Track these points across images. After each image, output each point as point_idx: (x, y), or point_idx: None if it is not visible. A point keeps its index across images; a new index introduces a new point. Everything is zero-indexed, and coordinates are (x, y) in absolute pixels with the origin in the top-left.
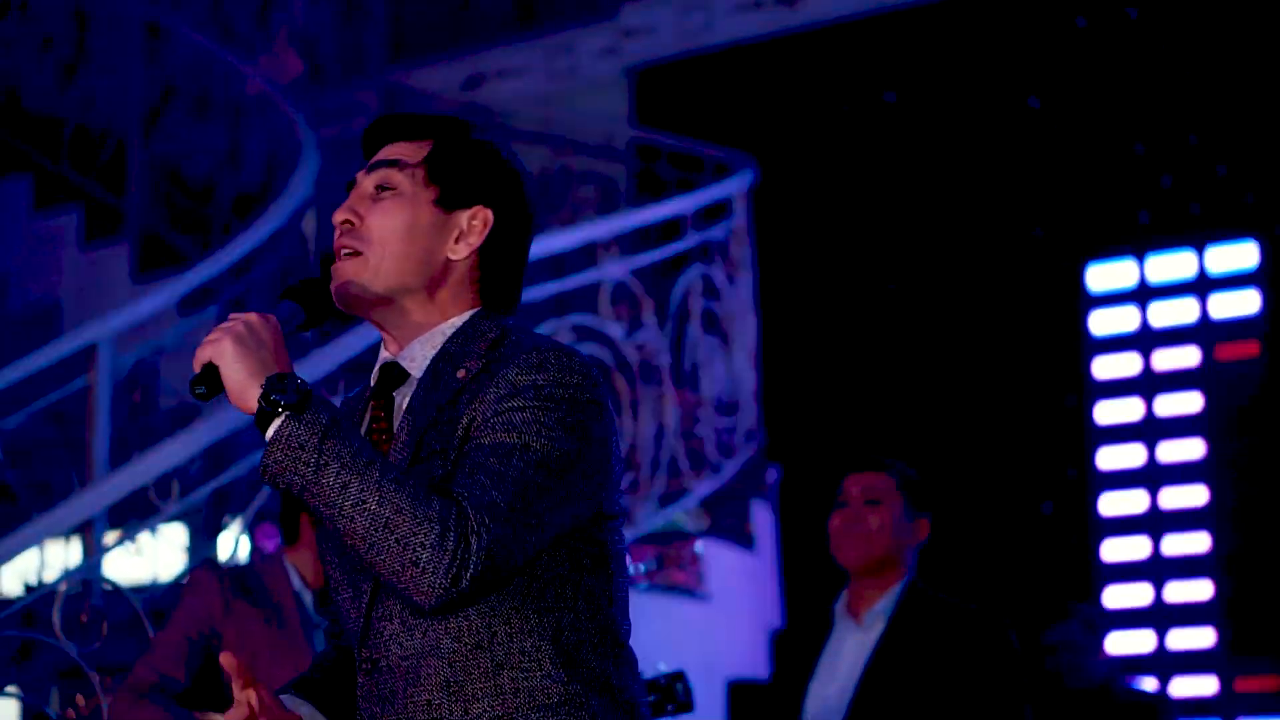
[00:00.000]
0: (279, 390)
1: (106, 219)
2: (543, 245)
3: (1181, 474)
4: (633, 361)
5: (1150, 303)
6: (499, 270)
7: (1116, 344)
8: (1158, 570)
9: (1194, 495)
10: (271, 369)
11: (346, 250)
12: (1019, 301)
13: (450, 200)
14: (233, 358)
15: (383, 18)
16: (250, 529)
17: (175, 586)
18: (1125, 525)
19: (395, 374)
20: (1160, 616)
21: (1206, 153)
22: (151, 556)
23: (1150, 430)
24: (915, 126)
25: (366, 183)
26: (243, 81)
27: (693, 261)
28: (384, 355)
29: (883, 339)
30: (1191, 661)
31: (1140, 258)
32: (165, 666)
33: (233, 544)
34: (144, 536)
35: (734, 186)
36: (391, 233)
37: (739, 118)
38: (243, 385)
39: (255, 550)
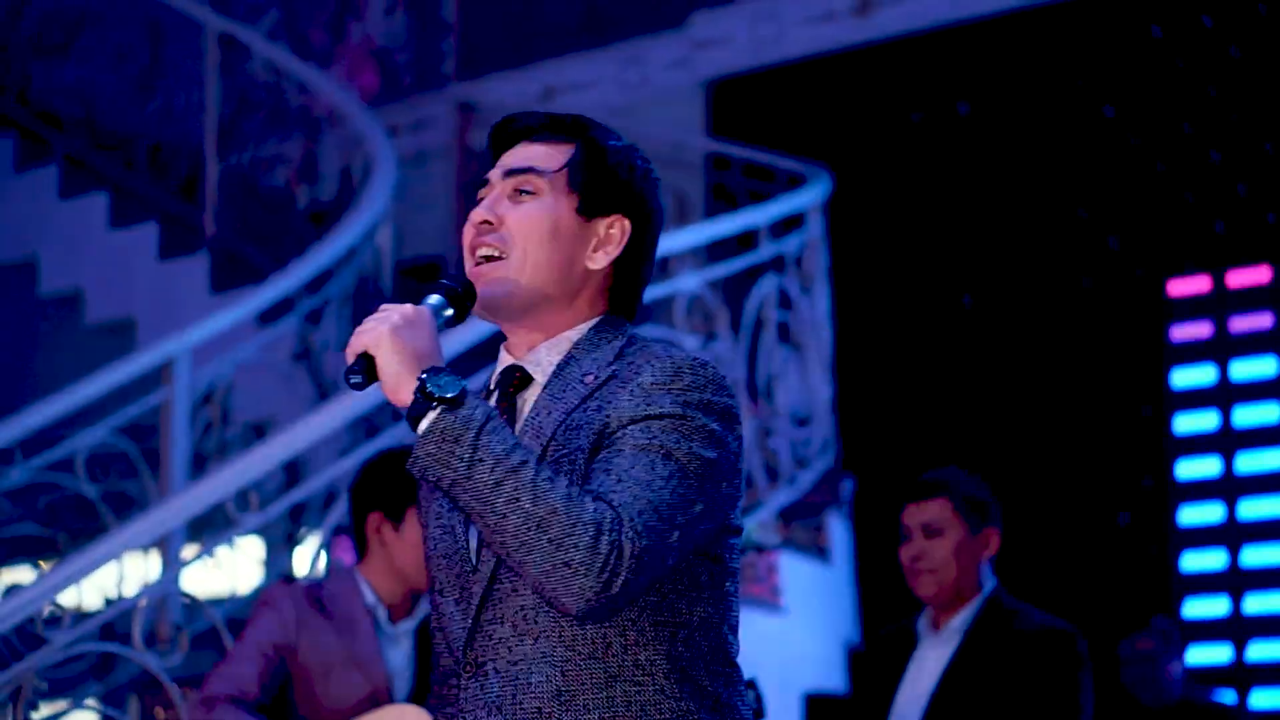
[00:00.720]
0: (435, 384)
1: (183, 233)
2: None
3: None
4: None
5: (1229, 314)
6: (630, 278)
7: (1194, 354)
8: (1236, 582)
9: (1272, 505)
10: (427, 362)
11: (487, 252)
12: (1095, 312)
13: (590, 209)
14: (389, 349)
15: (456, 30)
16: (327, 543)
17: (253, 600)
18: (1204, 537)
19: (518, 377)
20: (1239, 629)
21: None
22: (229, 570)
23: (1227, 441)
24: (989, 137)
25: (505, 185)
26: (317, 94)
27: (767, 273)
28: (506, 358)
29: (958, 350)
30: (1271, 674)
31: (1218, 268)
32: (239, 679)
33: (310, 558)
34: (222, 550)
35: (808, 198)
36: (535, 239)
37: (813, 129)
38: (398, 377)
39: (332, 564)
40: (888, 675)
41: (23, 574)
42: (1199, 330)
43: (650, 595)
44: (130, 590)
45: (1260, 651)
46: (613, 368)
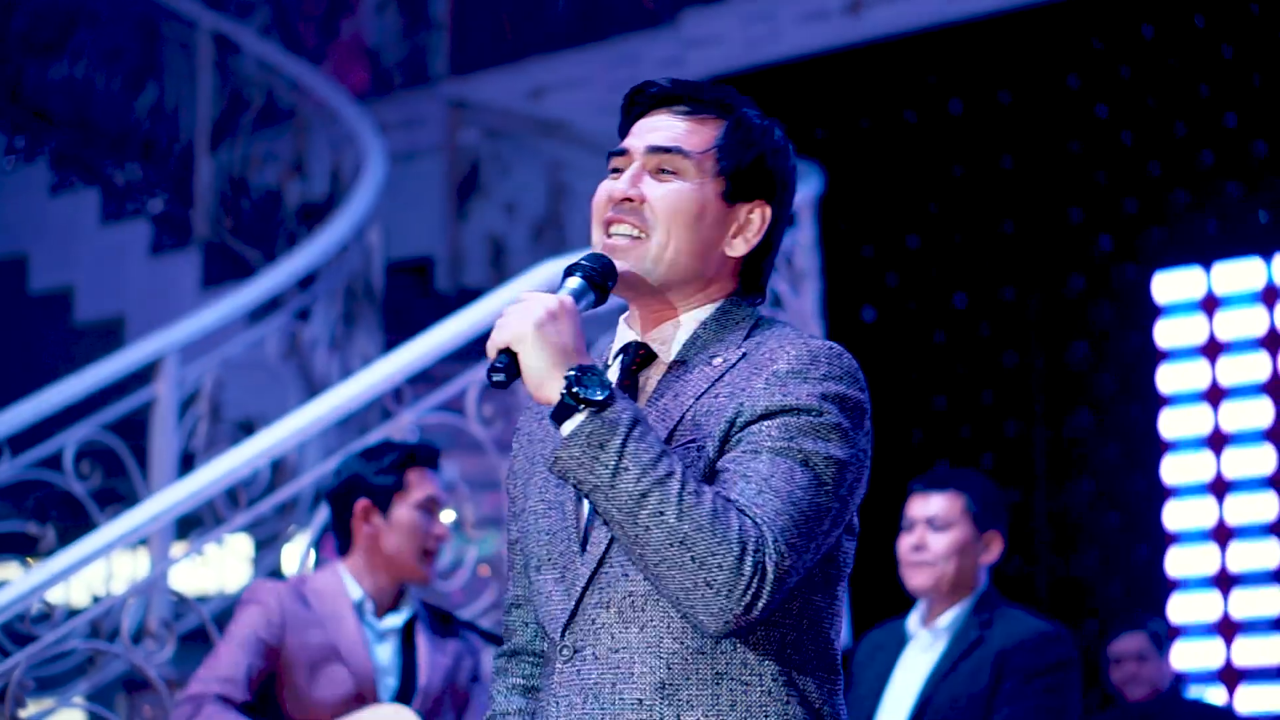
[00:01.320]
0: (583, 384)
1: (174, 230)
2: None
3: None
4: None
5: (1217, 312)
6: (763, 259)
7: (1183, 354)
8: (1225, 582)
9: (1261, 506)
10: (574, 359)
11: (625, 230)
12: (1085, 311)
13: (735, 195)
14: (534, 345)
15: (446, 28)
16: (316, 541)
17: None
18: (1192, 537)
19: (642, 354)
20: (1227, 628)
21: (1273, 161)
22: (218, 567)
23: (1217, 441)
24: (981, 136)
25: (647, 160)
26: (309, 91)
27: None
28: (627, 332)
29: (949, 348)
30: (1258, 675)
31: (1207, 267)
32: (227, 678)
33: (299, 556)
34: (210, 547)
35: (799, 196)
36: (679, 224)
37: (805, 128)
38: (543, 375)
39: (320, 562)
40: (876, 675)
41: (10, 571)
42: (1188, 330)
43: None
44: (118, 588)
45: (1247, 652)
46: (742, 349)
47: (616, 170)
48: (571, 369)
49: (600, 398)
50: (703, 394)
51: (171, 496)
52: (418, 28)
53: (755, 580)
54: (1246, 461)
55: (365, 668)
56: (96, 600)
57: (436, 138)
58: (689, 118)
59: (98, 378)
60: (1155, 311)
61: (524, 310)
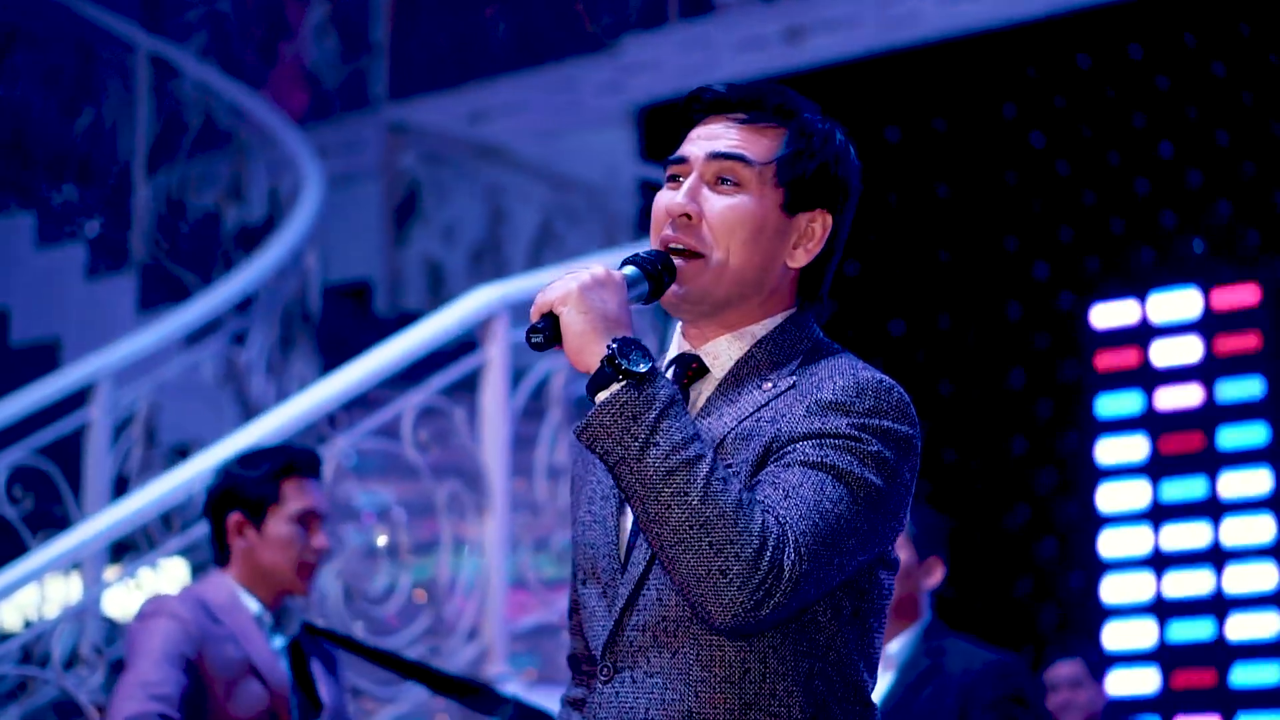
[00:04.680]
0: (625, 355)
1: (111, 253)
2: (545, 281)
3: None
4: None
5: (1153, 341)
6: (824, 270)
7: (1119, 383)
8: (1160, 609)
9: (1196, 533)
10: (617, 329)
11: (682, 247)
12: (1022, 339)
13: (796, 206)
14: (577, 309)
15: (386, 53)
16: None
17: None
18: (1127, 564)
19: (694, 368)
20: (1163, 655)
21: (1208, 192)
22: (152, 592)
23: (1154, 469)
24: (917, 164)
25: (707, 168)
26: (247, 115)
27: None
28: (682, 343)
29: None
30: (1194, 701)
31: (1142, 297)
32: (161, 694)
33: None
34: (144, 572)
35: None
36: (739, 240)
37: None
38: (585, 340)
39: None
40: None
41: None
42: (1124, 358)
43: (791, 623)
44: (51, 612)
45: (1183, 679)
46: (794, 378)
47: (674, 179)
48: (615, 339)
49: (642, 369)
50: (747, 417)
51: (105, 521)
52: (357, 52)
53: (770, 577)
54: (1182, 489)
55: (280, 683)
56: (28, 625)
57: (375, 161)
58: (748, 125)
59: (31, 401)
60: (1092, 339)
61: (572, 276)
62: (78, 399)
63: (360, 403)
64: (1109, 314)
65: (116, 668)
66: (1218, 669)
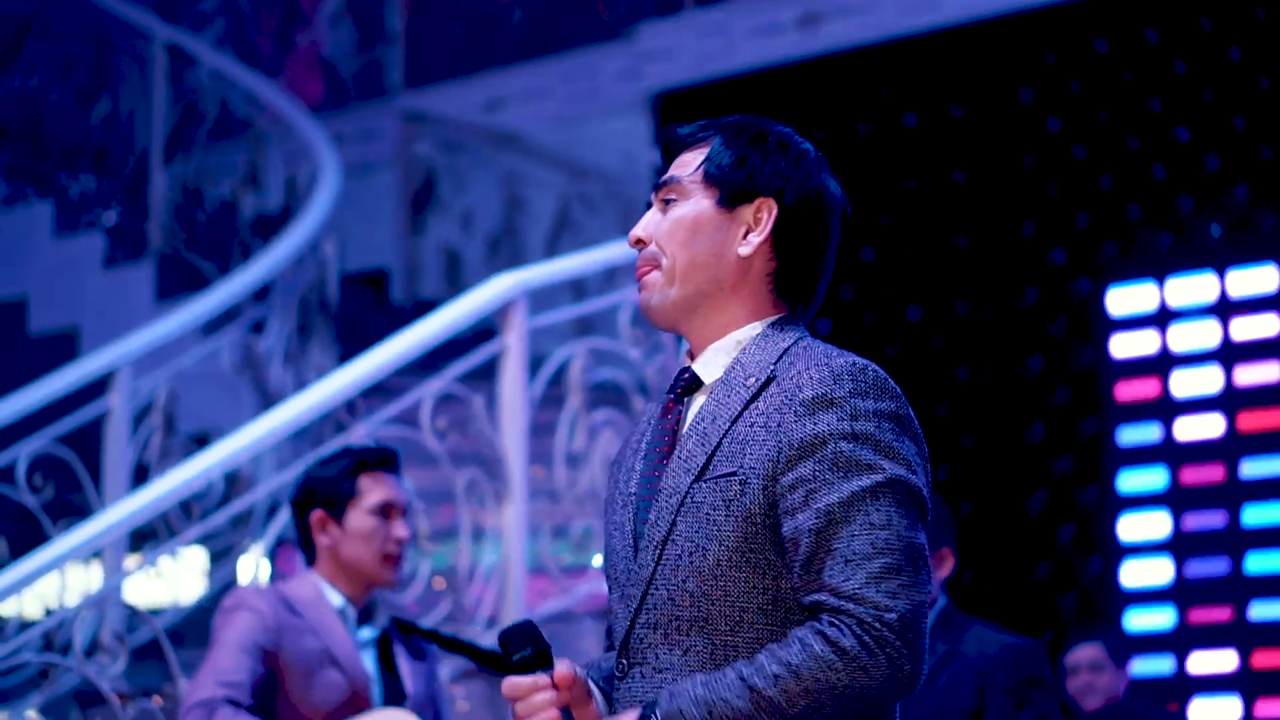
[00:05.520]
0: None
1: (128, 242)
2: (562, 269)
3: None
4: (652, 385)
5: (1170, 326)
6: (794, 262)
7: (1137, 368)
8: (1180, 594)
9: (1215, 518)
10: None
11: (644, 268)
12: (1038, 324)
13: (731, 198)
14: None
15: (402, 41)
16: (271, 553)
17: (198, 610)
18: (1146, 548)
19: (686, 380)
20: (1181, 640)
21: (1225, 176)
22: (171, 580)
23: (1171, 453)
24: (934, 150)
25: (657, 201)
26: (264, 103)
27: None
28: (685, 359)
29: (903, 362)
30: (1212, 684)
31: (1160, 281)
32: (232, 682)
33: (253, 567)
34: (164, 560)
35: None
36: (677, 242)
37: None
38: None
39: (276, 574)
40: None
41: None
42: (1141, 343)
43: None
44: (71, 600)
45: (1202, 662)
46: (772, 369)
47: None
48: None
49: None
50: (737, 418)
51: (125, 509)
52: (373, 40)
53: (890, 656)
54: (1200, 474)
55: (360, 672)
56: (49, 613)
57: (392, 150)
58: (688, 150)
59: (51, 390)
60: (1109, 325)
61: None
62: (97, 388)
63: (378, 390)
64: (1126, 299)
65: (137, 655)
66: (1238, 650)
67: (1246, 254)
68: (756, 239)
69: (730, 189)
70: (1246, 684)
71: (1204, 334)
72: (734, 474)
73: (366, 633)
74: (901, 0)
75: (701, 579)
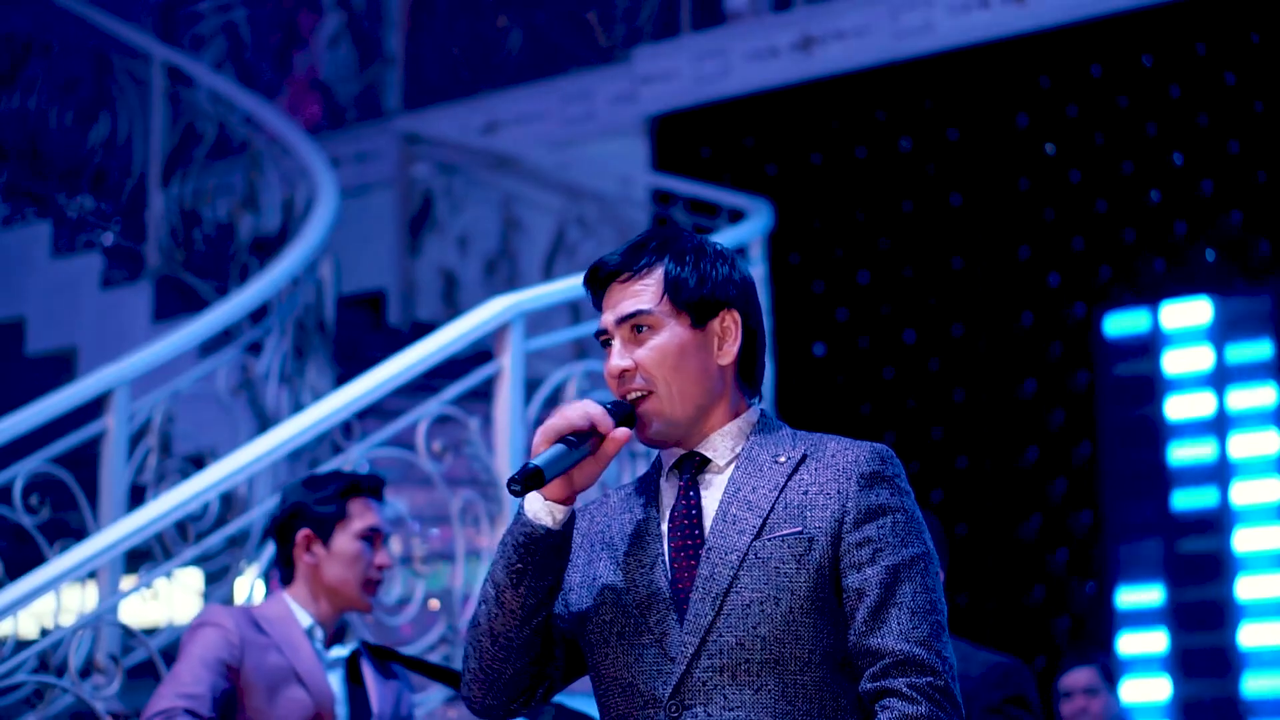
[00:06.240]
0: None
1: (126, 263)
2: (558, 291)
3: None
4: None
5: (1165, 350)
6: (753, 355)
7: (1133, 392)
8: (1174, 617)
9: (1208, 542)
10: None
11: (637, 393)
12: (1034, 348)
13: (701, 318)
14: None
15: (400, 63)
16: (265, 574)
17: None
18: (1141, 572)
19: (696, 462)
20: (1176, 663)
21: (1220, 201)
22: (167, 601)
23: (1165, 476)
24: (930, 173)
25: (622, 331)
26: (262, 125)
27: None
28: (671, 454)
29: (899, 384)
30: (1208, 710)
31: (1154, 305)
32: (192, 696)
33: (248, 589)
34: (160, 581)
35: (750, 231)
36: (669, 368)
37: (756, 164)
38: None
39: (270, 595)
40: None
41: None
42: (1136, 367)
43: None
44: (67, 621)
45: (1196, 687)
46: (800, 449)
47: (606, 344)
48: None
49: None
50: (783, 487)
51: (121, 530)
52: (371, 62)
53: (954, 715)
54: (1194, 498)
55: (325, 691)
56: (45, 633)
57: (389, 172)
58: (634, 279)
59: (48, 410)
60: (1104, 349)
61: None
62: (93, 408)
63: (374, 412)
64: (1121, 323)
65: (132, 675)
66: (1230, 678)
67: (1241, 278)
68: (733, 348)
69: (699, 310)
70: (1237, 710)
71: (1198, 358)
72: (800, 532)
73: (336, 652)
74: (898, 25)
75: (774, 625)
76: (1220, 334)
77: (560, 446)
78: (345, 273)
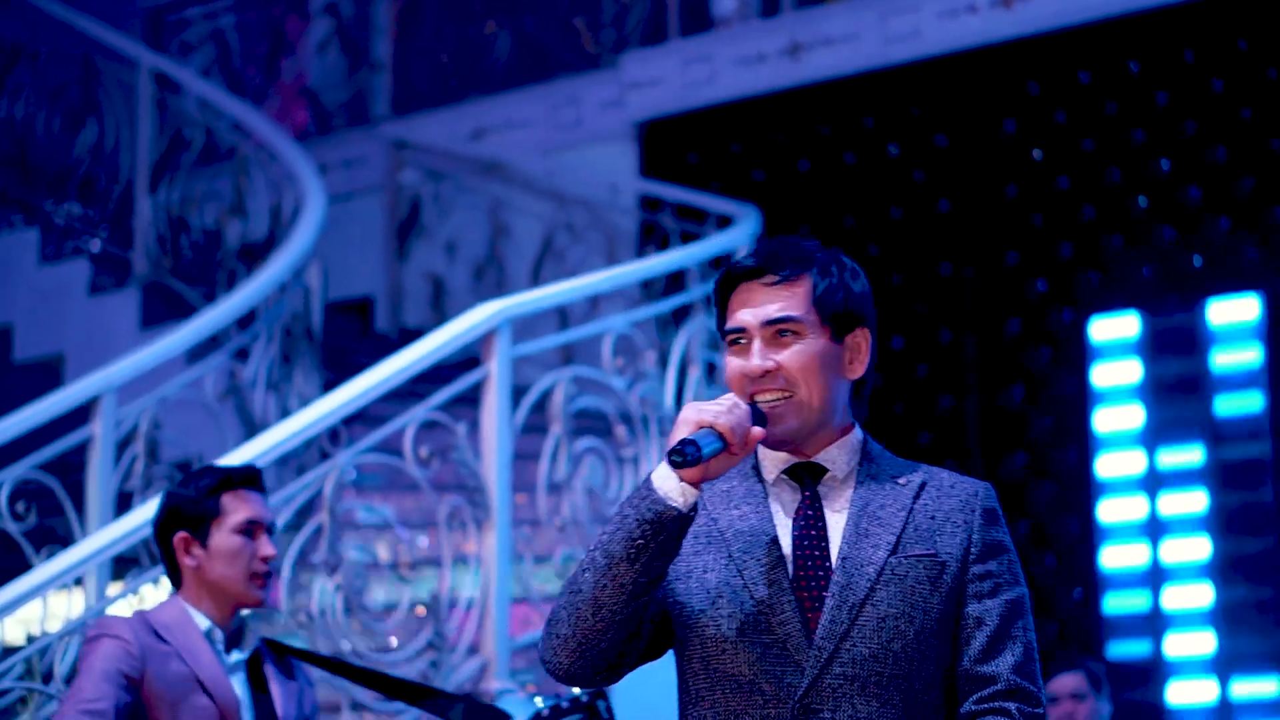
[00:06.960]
0: None
1: (113, 269)
2: (546, 297)
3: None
4: (635, 413)
5: (1153, 356)
6: (869, 374)
7: (1118, 397)
8: (1159, 622)
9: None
10: None
11: (776, 395)
12: (1021, 353)
13: (841, 332)
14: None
15: (388, 69)
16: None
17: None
18: (1127, 577)
19: (810, 470)
20: (1162, 668)
21: (1207, 207)
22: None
23: (1152, 483)
24: (918, 180)
25: (764, 332)
26: (249, 131)
27: (696, 313)
28: (785, 457)
29: (886, 390)
30: (1193, 715)
31: (1142, 311)
32: (94, 710)
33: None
34: (146, 588)
35: (737, 237)
36: (813, 375)
37: (744, 170)
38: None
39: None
40: None
41: None
42: (1123, 373)
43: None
44: (54, 627)
45: (1181, 692)
46: (919, 475)
47: (735, 343)
48: None
49: None
50: (910, 508)
51: (107, 536)
52: (359, 68)
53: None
54: (1180, 503)
55: (229, 697)
56: (31, 640)
57: (377, 178)
58: (782, 285)
59: (35, 417)
60: (1091, 355)
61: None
62: (80, 415)
63: (362, 418)
64: (1108, 329)
65: None
66: (1217, 681)
67: (1228, 285)
68: (862, 366)
69: (841, 323)
70: (1225, 713)
71: (1186, 364)
72: (933, 555)
73: (236, 655)
74: (885, 31)
75: (906, 643)
76: (1208, 340)
77: (711, 432)
78: (333, 279)
